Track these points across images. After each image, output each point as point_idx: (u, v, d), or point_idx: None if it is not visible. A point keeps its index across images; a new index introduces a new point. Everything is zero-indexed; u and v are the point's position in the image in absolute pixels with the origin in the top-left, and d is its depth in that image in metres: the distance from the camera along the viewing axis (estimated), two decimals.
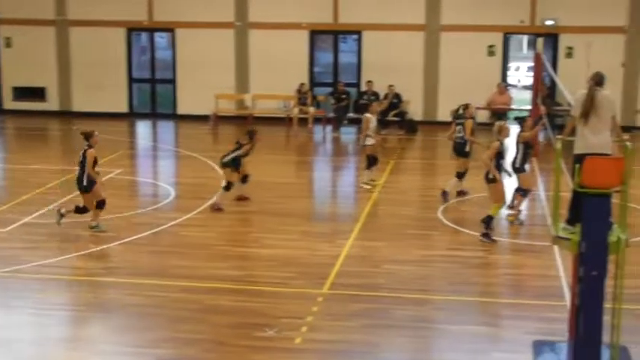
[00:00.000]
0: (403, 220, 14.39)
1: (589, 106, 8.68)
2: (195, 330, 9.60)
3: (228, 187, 14.81)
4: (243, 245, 12.96)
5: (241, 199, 15.34)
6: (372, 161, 16.69)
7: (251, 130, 15.40)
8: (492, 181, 12.97)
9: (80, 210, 13.35)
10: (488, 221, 12.91)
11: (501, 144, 13.25)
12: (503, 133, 13.27)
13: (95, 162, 13.11)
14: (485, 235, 12.91)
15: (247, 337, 9.36)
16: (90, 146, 13.09)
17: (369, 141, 16.57)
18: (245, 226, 14.15)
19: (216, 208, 14.66)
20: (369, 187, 16.46)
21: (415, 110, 25.12)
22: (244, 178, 15.28)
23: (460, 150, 15.58)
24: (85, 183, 13.12)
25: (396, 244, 12.81)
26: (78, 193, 13.56)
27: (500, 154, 13.20)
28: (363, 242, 13.11)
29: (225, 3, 25.73)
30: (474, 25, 24.64)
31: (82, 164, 13.08)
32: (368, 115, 16.68)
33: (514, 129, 15.11)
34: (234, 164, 14.89)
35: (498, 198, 13.05)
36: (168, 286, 10.98)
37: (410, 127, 24.17)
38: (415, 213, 15.10)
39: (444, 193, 15.36)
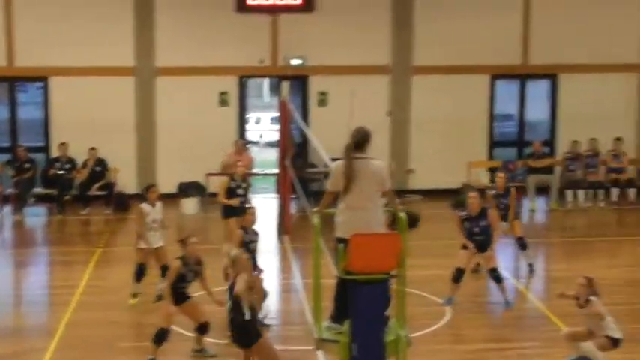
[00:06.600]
0: (115, 329, 14.10)
1: (350, 178, 8.75)
2: None
3: None
4: None
5: None
6: (140, 271, 15.52)
7: None
8: None
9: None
10: None
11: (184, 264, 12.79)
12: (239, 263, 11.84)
13: None
14: None
15: None
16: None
17: (142, 244, 15.42)
18: None
19: None
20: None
21: (126, 181, 24.94)
22: None
23: None
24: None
25: None
26: None
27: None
28: None
29: None
30: (200, 67, 24.95)
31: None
32: (142, 205, 15.49)
33: None
34: None
35: None
36: None
37: (119, 203, 24.03)
38: (131, 319, 14.86)
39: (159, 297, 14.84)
